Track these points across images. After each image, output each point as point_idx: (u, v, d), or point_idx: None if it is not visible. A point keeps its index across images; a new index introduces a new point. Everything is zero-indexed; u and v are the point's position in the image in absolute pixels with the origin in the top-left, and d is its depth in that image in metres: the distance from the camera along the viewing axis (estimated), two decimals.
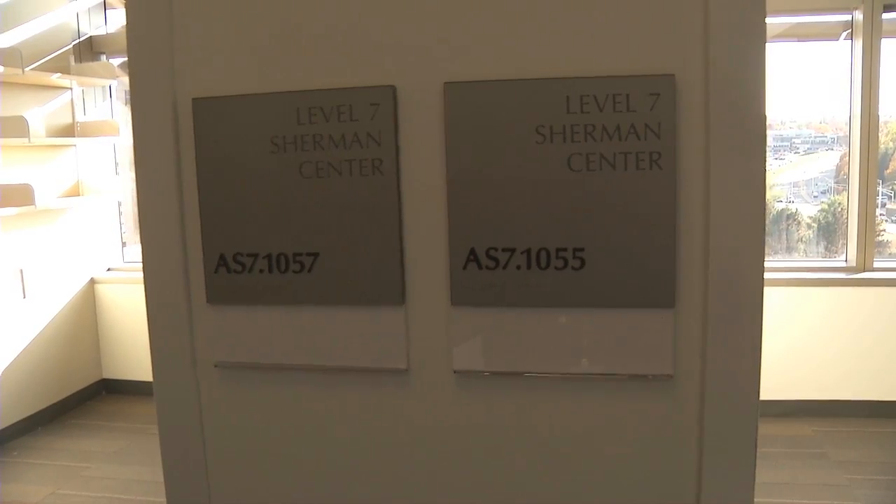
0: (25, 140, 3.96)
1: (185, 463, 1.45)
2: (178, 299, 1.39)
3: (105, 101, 4.91)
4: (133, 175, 1.40)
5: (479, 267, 1.27)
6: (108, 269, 4.94)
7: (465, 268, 1.28)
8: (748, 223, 1.21)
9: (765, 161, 1.22)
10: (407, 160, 1.29)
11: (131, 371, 4.90)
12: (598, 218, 1.24)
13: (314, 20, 1.30)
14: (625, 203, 1.23)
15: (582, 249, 1.25)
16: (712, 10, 1.17)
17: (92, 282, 4.84)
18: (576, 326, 1.28)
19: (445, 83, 1.25)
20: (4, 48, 4.05)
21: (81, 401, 4.75)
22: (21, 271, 4.28)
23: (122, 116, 5.00)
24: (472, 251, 1.27)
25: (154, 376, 1.43)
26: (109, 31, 4.84)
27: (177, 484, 1.46)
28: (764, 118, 1.19)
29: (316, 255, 1.32)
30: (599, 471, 1.31)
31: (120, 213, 5.09)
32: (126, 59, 4.71)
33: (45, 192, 4.37)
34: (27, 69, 3.99)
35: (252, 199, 1.34)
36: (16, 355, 4.27)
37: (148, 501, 3.58)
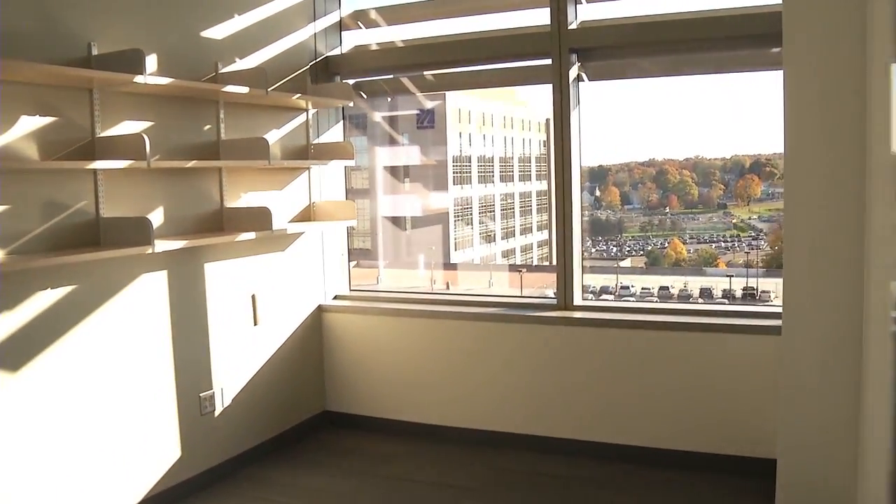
0: (265, 162, 3.83)
1: None
2: None
3: (337, 123, 4.77)
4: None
5: None
6: (335, 297, 4.78)
7: None
8: None
9: None
10: None
11: (355, 405, 4.68)
12: None
13: None
14: None
15: None
16: None
17: (319, 309, 4.67)
18: None
19: None
20: (250, 69, 3.97)
21: (305, 433, 4.57)
22: (253, 297, 4.17)
23: (354, 140, 4.85)
24: None
25: None
26: (344, 52, 4.71)
27: None
28: None
29: None
30: None
31: (349, 239, 4.94)
32: (354, 81, 4.55)
33: (279, 215, 4.25)
34: (269, 90, 3.87)
35: None
36: (245, 383, 4.13)
37: None
